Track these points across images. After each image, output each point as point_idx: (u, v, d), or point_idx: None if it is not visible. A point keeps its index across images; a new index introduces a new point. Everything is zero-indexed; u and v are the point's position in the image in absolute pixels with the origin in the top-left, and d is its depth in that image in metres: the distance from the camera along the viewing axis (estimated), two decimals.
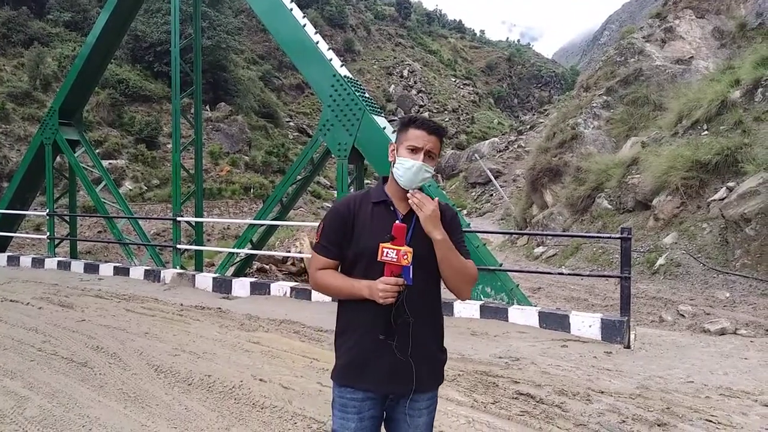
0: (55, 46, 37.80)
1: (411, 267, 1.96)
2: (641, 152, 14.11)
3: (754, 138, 11.14)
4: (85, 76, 12.12)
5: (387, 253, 1.93)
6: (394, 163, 2.08)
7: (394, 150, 2.11)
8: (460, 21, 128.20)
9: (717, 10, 19.20)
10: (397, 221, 2.01)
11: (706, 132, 12.62)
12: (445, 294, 2.21)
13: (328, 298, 7.27)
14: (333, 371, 2.14)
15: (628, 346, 6.01)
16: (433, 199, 2.03)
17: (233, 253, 10.53)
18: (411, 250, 1.94)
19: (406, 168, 2.03)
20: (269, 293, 8.79)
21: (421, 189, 2.10)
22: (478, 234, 8.61)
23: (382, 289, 1.92)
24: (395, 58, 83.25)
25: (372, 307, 1.98)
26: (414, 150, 2.04)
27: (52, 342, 5.80)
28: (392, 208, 2.08)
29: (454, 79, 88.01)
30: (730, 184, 10.92)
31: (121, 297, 8.36)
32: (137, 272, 10.45)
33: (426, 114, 70.83)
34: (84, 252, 20.12)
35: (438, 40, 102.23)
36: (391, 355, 2.00)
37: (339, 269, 2.14)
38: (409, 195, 2.01)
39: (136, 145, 33.83)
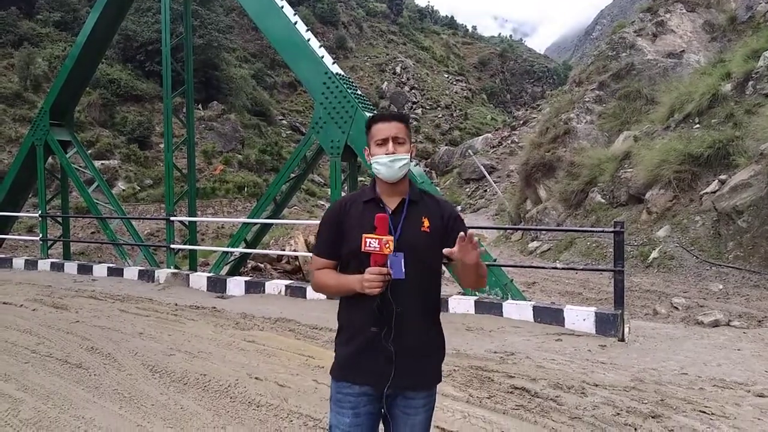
0: (45, 46, 37.49)
1: (402, 261, 1.98)
2: (634, 146, 14.16)
3: (746, 131, 11.20)
4: (76, 77, 12.01)
5: (369, 242, 1.96)
6: (371, 165, 2.15)
7: (368, 153, 2.17)
8: (452, 17, 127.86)
9: (707, 3, 19.28)
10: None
11: (697, 125, 12.67)
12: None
13: (323, 296, 7.28)
14: (331, 367, 2.17)
15: (623, 339, 6.05)
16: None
17: (227, 252, 10.50)
18: (392, 238, 1.96)
19: (382, 163, 2.09)
20: (264, 292, 8.78)
21: (409, 181, 2.16)
22: (473, 229, 8.62)
23: (366, 278, 1.95)
24: (388, 54, 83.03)
25: (367, 302, 2.01)
26: (382, 143, 2.10)
27: (46, 344, 5.77)
28: (381, 205, 2.11)
29: (446, 75, 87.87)
30: (722, 176, 10.98)
31: (115, 298, 8.33)
32: (131, 273, 10.41)
33: (419, 110, 70.78)
34: (77, 253, 19.99)
35: (430, 37, 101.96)
36: (385, 351, 2.01)
37: (338, 269, 2.18)
38: (465, 246, 1.89)
39: (128, 145, 33.60)
